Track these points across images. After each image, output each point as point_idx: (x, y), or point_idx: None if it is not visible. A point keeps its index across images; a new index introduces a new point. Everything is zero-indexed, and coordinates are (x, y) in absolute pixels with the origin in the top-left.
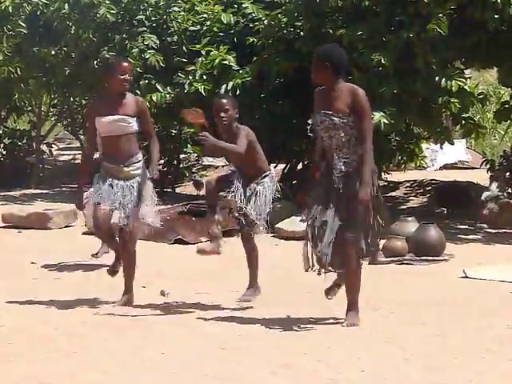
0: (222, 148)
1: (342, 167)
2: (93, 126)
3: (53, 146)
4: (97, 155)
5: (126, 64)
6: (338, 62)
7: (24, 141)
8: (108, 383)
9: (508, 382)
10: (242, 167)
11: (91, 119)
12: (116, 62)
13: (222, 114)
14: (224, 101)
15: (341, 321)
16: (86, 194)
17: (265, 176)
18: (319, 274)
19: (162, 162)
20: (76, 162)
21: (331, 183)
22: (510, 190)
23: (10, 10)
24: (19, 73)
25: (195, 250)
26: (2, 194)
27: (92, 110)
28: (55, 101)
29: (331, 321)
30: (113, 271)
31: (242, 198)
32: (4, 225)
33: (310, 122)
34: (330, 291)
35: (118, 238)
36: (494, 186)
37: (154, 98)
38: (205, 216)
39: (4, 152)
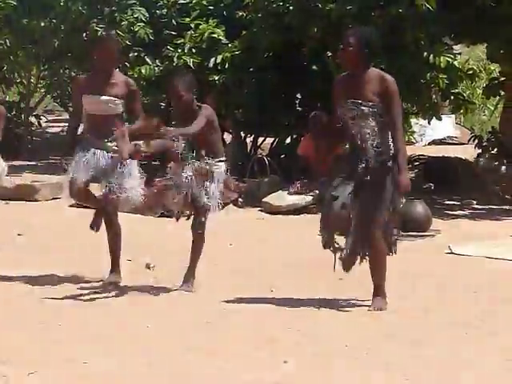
0: (180, 134)
1: (373, 155)
2: (79, 101)
3: (42, 117)
4: (81, 128)
5: (112, 36)
6: (374, 47)
7: (13, 112)
8: (91, 355)
9: (489, 356)
10: (198, 147)
11: (78, 95)
12: (106, 35)
13: (176, 99)
14: (177, 84)
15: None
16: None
17: (220, 161)
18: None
19: None
20: (64, 134)
21: (359, 174)
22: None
23: None
24: (8, 44)
25: None
26: None
27: (80, 86)
28: (44, 72)
29: (312, 296)
30: (96, 226)
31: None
32: None
33: (339, 111)
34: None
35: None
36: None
37: (143, 71)
38: None
39: None
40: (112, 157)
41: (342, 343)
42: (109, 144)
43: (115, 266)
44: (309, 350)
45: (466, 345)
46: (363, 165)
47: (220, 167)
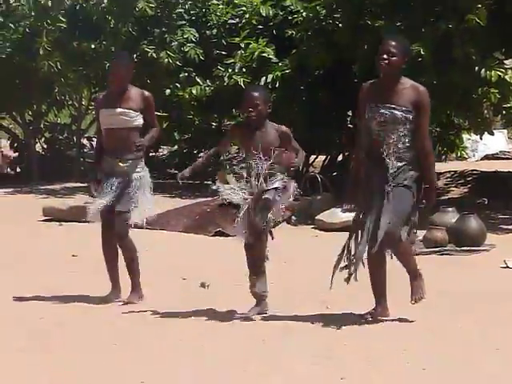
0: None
1: (395, 162)
2: (98, 117)
3: (93, 139)
4: None
5: (124, 60)
6: (409, 56)
7: (65, 134)
8: (143, 377)
9: None
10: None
11: (97, 111)
12: (118, 57)
13: (251, 110)
14: (255, 94)
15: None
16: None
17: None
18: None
19: (201, 154)
20: None
21: (380, 179)
22: None
23: (50, 5)
24: (59, 67)
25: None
26: (43, 187)
27: (97, 102)
28: (95, 94)
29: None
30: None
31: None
32: (45, 218)
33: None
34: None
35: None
36: None
37: (194, 91)
38: None
39: (45, 146)
40: (122, 181)
41: (401, 360)
42: (121, 164)
43: (135, 287)
44: (365, 367)
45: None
46: (389, 169)
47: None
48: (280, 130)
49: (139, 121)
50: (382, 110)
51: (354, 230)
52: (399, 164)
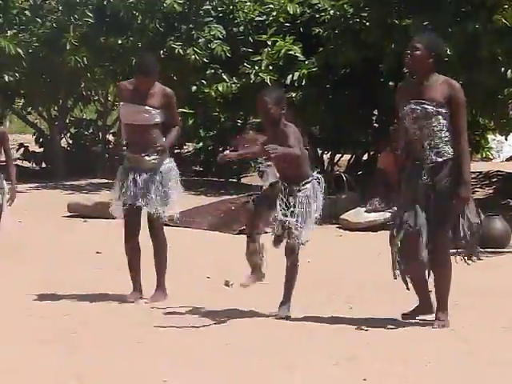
0: (285, 154)
1: (433, 157)
2: (120, 113)
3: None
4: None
5: (148, 59)
6: (440, 53)
7: (90, 130)
8: (165, 375)
9: None
10: (283, 170)
11: (120, 99)
12: (142, 55)
13: (264, 112)
14: (266, 98)
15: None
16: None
17: (306, 183)
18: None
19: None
20: None
21: (419, 177)
22: None
23: (77, 0)
24: (86, 62)
25: (239, 285)
26: (68, 183)
27: (122, 93)
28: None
29: (388, 313)
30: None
31: (284, 211)
32: (70, 214)
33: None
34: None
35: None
36: None
37: (220, 88)
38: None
39: (70, 141)
40: (150, 175)
41: (422, 361)
42: (146, 159)
43: (160, 285)
44: (387, 368)
45: None
46: (425, 164)
47: (306, 191)
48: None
49: (158, 118)
50: (414, 106)
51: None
52: (439, 159)
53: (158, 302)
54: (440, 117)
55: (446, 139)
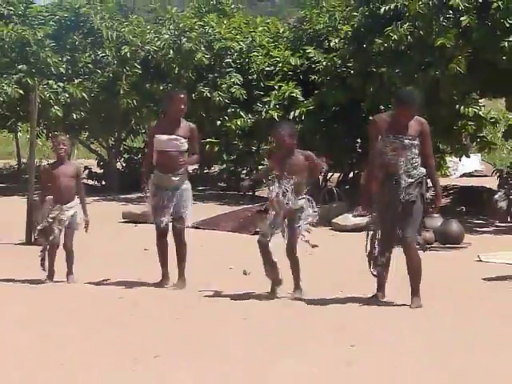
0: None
1: (407, 179)
2: (152, 142)
3: None
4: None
5: (183, 96)
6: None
7: (139, 156)
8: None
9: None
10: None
11: (152, 136)
12: (175, 93)
13: (280, 145)
14: (282, 131)
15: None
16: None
17: (301, 198)
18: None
19: (244, 171)
20: None
21: (395, 192)
22: None
23: (128, 56)
24: (135, 104)
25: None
26: (123, 196)
27: (153, 130)
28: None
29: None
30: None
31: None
32: (124, 220)
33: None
34: (378, 296)
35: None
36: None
37: (239, 123)
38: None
39: (124, 164)
40: (174, 192)
41: (400, 331)
42: (173, 178)
43: (182, 275)
44: (374, 335)
45: (488, 335)
46: (401, 184)
47: (303, 203)
48: (305, 154)
49: (186, 146)
50: (393, 139)
51: (373, 232)
52: (410, 180)
53: (179, 288)
54: (413, 148)
55: (416, 164)
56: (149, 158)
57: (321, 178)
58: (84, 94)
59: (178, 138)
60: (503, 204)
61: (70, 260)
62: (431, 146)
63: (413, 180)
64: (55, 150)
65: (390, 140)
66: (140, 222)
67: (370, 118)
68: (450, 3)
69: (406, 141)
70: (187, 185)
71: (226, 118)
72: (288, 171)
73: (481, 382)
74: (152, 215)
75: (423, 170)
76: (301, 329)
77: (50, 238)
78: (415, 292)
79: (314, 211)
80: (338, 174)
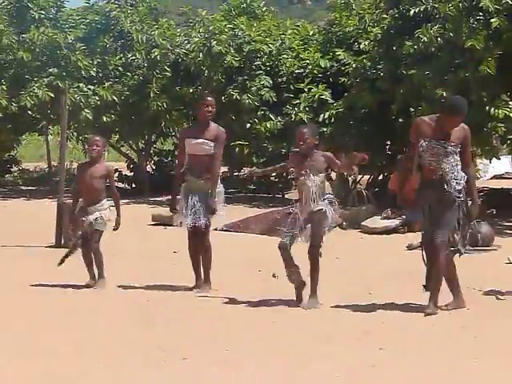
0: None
1: (456, 186)
2: (183, 146)
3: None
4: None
5: (210, 99)
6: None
7: (169, 158)
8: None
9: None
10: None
11: (182, 140)
12: (203, 97)
13: (302, 142)
14: (304, 130)
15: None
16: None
17: (324, 198)
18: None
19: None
20: None
21: (439, 196)
22: None
23: (158, 59)
24: (165, 106)
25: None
26: (152, 199)
27: (183, 134)
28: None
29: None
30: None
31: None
32: (154, 223)
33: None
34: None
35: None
36: None
37: (268, 125)
38: None
39: (154, 167)
40: (204, 196)
41: (425, 333)
42: (201, 181)
43: (206, 279)
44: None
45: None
46: (449, 190)
47: (326, 205)
48: (325, 155)
49: (214, 150)
50: (435, 145)
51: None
52: (458, 187)
53: (206, 291)
54: (455, 155)
55: (460, 168)
56: (180, 162)
57: (350, 180)
58: (114, 97)
59: (206, 141)
60: None
61: (97, 262)
62: (470, 155)
63: (460, 186)
64: (88, 151)
65: (433, 145)
66: (170, 225)
67: (400, 120)
68: (480, 5)
69: (450, 147)
70: (219, 188)
71: (256, 120)
72: (307, 171)
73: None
74: (181, 217)
75: (464, 174)
76: (328, 332)
77: (73, 240)
78: (431, 297)
79: (336, 214)
80: (368, 176)
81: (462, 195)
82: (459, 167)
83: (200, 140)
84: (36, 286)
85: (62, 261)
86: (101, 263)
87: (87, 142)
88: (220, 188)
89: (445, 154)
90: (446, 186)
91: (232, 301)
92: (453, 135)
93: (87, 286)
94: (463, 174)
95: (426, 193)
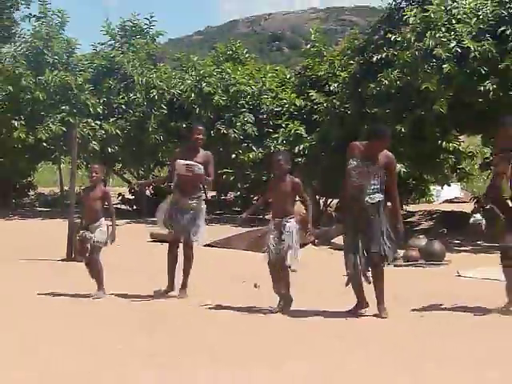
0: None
1: (369, 201)
2: (173, 166)
3: None
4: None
5: (200, 127)
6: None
7: (165, 184)
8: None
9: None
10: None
11: (173, 161)
12: (194, 126)
13: (276, 167)
14: (279, 157)
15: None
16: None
17: (291, 218)
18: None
19: (255, 197)
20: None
21: (362, 213)
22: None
23: (156, 98)
24: (162, 139)
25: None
26: (150, 219)
27: (175, 156)
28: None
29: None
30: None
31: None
32: (152, 240)
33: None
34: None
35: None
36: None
37: (251, 156)
38: None
39: (152, 191)
40: (189, 215)
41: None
42: (188, 201)
43: (185, 285)
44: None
45: (465, 346)
46: (363, 206)
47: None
48: (292, 180)
49: (202, 171)
50: (360, 165)
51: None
52: (371, 202)
53: (183, 298)
54: (377, 176)
55: (375, 191)
56: (167, 177)
57: (321, 203)
58: (118, 131)
59: (194, 163)
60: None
61: (94, 274)
62: (396, 179)
63: (373, 202)
64: (89, 177)
65: (359, 165)
66: (166, 242)
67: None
68: (434, 53)
69: (372, 169)
70: (202, 206)
71: (240, 151)
72: (278, 193)
73: None
74: (162, 226)
75: (382, 196)
76: (303, 334)
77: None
78: (380, 301)
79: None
80: (337, 200)
81: (378, 210)
82: (376, 188)
83: (191, 162)
84: (44, 294)
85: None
86: (99, 274)
87: (90, 170)
88: (202, 206)
89: (368, 174)
90: (366, 200)
91: (220, 307)
92: (379, 160)
93: (90, 296)
94: (381, 195)
95: (351, 205)
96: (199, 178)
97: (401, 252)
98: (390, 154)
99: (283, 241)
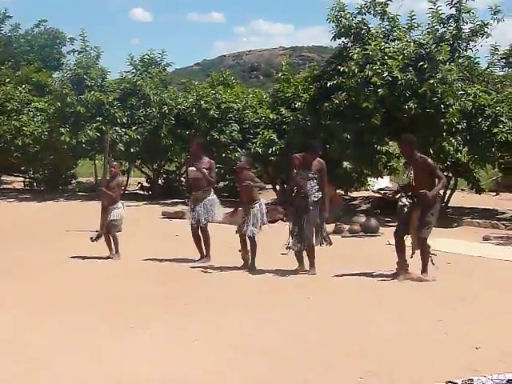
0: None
1: (313, 199)
2: (187, 174)
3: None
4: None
5: (196, 141)
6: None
7: (173, 175)
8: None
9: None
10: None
11: (187, 168)
12: (193, 139)
13: (239, 171)
14: (241, 162)
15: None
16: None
17: (256, 203)
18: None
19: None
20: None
21: (303, 205)
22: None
23: (167, 112)
24: (171, 143)
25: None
26: (162, 201)
27: (187, 164)
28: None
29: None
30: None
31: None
32: (163, 216)
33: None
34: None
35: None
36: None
37: (236, 155)
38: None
39: (164, 181)
40: (202, 206)
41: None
42: (200, 192)
43: (208, 254)
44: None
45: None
46: (305, 200)
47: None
48: (249, 175)
49: (207, 174)
50: (302, 173)
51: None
52: (314, 199)
53: (207, 263)
54: (314, 179)
55: (316, 189)
56: (188, 183)
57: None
58: (138, 136)
59: (200, 168)
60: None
61: (115, 243)
62: (326, 179)
63: (316, 199)
64: (110, 171)
65: (300, 172)
66: (174, 218)
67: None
68: (371, 81)
69: (310, 174)
70: (212, 197)
71: (229, 152)
72: (243, 186)
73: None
74: (188, 215)
75: (320, 194)
76: (274, 284)
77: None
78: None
79: (263, 215)
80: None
81: (316, 205)
82: (316, 187)
83: (197, 168)
84: (74, 257)
85: (95, 239)
86: (116, 243)
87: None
88: (214, 197)
89: (307, 179)
90: (307, 199)
91: (214, 268)
92: (313, 166)
93: (108, 258)
94: (319, 193)
95: (296, 202)
96: (205, 176)
97: (346, 227)
98: (322, 160)
99: (247, 218)
